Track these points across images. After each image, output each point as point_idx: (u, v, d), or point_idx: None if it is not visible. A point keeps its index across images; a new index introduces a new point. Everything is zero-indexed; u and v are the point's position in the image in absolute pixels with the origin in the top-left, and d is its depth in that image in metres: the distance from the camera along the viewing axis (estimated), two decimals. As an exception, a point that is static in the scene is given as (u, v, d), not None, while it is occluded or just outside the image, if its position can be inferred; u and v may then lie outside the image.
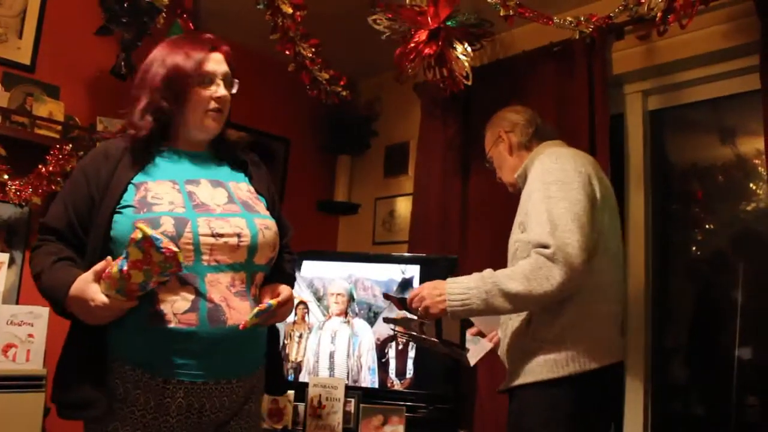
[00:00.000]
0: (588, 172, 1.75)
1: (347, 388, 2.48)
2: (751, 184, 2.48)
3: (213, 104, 1.51)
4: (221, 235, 1.40)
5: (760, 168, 2.40)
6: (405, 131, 3.54)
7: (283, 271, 1.62)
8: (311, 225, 3.73)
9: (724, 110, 2.56)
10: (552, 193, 1.68)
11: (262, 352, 1.56)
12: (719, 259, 2.56)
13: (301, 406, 2.47)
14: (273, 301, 1.42)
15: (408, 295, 1.80)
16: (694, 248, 2.68)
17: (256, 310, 1.39)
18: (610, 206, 1.82)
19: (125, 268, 1.25)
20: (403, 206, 3.49)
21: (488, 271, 1.70)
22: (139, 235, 1.23)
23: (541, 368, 1.68)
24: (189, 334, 1.35)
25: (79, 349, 1.38)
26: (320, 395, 2.45)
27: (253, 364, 1.51)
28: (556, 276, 1.59)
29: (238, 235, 1.43)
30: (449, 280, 1.74)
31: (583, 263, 1.60)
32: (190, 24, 2.83)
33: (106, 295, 1.27)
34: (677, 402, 2.56)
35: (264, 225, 1.49)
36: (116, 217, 1.40)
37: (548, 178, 1.72)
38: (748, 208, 2.49)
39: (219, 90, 1.52)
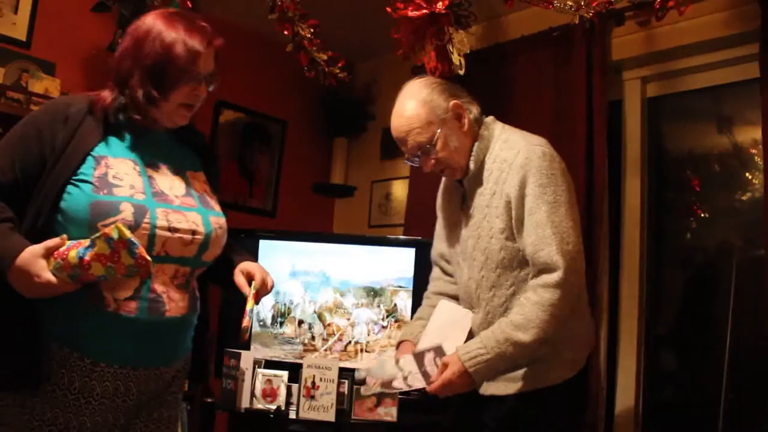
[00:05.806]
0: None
1: (341, 369, 2.49)
2: (747, 174, 2.48)
3: (190, 101, 1.45)
4: (177, 230, 1.37)
5: (756, 157, 2.40)
6: (402, 115, 3.52)
7: (240, 252, 1.59)
8: (307, 207, 3.73)
9: (722, 99, 2.56)
10: (550, 199, 1.57)
11: (190, 340, 1.52)
12: (714, 247, 2.57)
13: (294, 387, 2.49)
14: (251, 304, 1.43)
15: (427, 387, 1.71)
16: (688, 236, 2.69)
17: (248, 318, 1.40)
18: None
19: (87, 257, 1.20)
20: (400, 189, 3.48)
21: (498, 328, 1.59)
22: (114, 234, 1.18)
23: (560, 371, 1.67)
24: (126, 321, 1.32)
25: (7, 319, 1.28)
26: (314, 376, 2.46)
27: (183, 352, 1.50)
28: (566, 306, 1.56)
29: (193, 232, 1.40)
30: (461, 352, 1.61)
31: (583, 278, 1.62)
32: (188, 2, 2.80)
33: (54, 275, 1.22)
34: (669, 389, 2.59)
35: (218, 224, 1.47)
36: (70, 188, 1.32)
37: (543, 180, 1.58)
38: (744, 197, 2.50)
39: (201, 90, 1.45)
